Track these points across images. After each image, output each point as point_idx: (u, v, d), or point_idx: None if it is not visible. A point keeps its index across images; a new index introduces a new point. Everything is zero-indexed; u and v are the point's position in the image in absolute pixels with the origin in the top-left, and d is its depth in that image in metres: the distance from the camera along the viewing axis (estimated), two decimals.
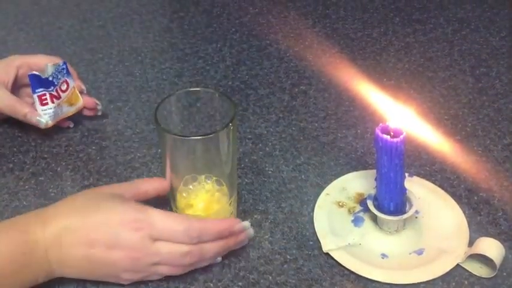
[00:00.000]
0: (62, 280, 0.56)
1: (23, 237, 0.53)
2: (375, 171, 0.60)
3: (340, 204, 0.66)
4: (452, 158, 0.71)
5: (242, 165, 0.71)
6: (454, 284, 0.57)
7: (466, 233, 0.61)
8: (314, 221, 0.64)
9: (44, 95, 0.71)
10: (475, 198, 0.66)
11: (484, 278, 0.58)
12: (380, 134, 0.56)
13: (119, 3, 1.05)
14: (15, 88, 0.74)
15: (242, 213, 0.65)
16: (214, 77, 0.87)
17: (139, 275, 0.56)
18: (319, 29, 0.97)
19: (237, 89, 0.84)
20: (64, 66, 0.72)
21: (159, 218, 0.54)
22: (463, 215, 0.63)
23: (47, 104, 0.71)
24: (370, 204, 0.61)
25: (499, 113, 0.78)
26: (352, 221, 0.64)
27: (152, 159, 0.72)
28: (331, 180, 0.68)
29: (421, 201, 0.63)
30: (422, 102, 0.80)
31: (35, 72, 0.70)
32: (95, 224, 0.54)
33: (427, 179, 0.68)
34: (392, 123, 0.57)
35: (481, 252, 0.57)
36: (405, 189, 0.60)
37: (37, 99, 0.71)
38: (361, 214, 0.64)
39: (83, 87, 0.76)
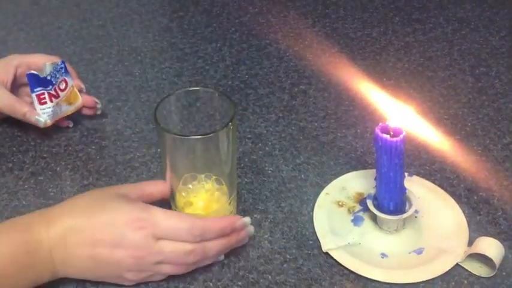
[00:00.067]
0: (61, 280, 0.56)
1: (24, 237, 0.53)
2: (374, 170, 0.60)
3: (340, 203, 0.66)
4: (452, 158, 0.71)
5: (242, 165, 0.71)
6: (453, 283, 0.57)
7: (466, 233, 0.61)
8: (314, 220, 0.64)
9: (43, 94, 0.71)
10: (475, 197, 0.66)
11: (484, 277, 0.58)
12: (380, 133, 0.56)
13: (119, 3, 1.05)
14: (14, 87, 0.74)
15: (242, 212, 0.65)
16: (214, 76, 0.87)
17: (142, 275, 0.56)
18: (319, 28, 0.97)
19: (236, 88, 0.84)
20: (62, 65, 0.72)
21: (162, 217, 0.54)
22: (462, 214, 0.63)
23: (45, 103, 0.71)
24: (369, 203, 0.61)
25: (499, 112, 0.78)
26: (352, 220, 0.64)
27: (152, 159, 0.72)
28: (330, 180, 0.68)
29: (420, 201, 0.63)
30: (422, 101, 0.80)
31: (33, 72, 0.70)
32: (101, 224, 0.54)
33: (427, 179, 0.68)
34: (392, 122, 0.57)
35: (481, 252, 0.57)
36: (405, 188, 0.60)
37: (35, 98, 0.71)
38: (360, 214, 0.64)
39: (82, 86, 0.76)
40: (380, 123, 0.57)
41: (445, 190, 0.66)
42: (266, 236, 0.62)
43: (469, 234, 0.61)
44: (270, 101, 0.82)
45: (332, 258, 0.60)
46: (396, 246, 0.61)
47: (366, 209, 0.63)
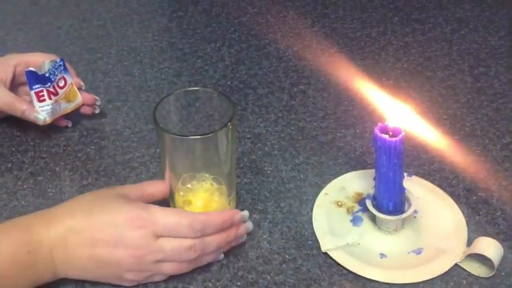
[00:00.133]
0: (61, 280, 0.56)
1: (25, 238, 0.53)
2: (373, 170, 0.60)
3: (339, 203, 0.66)
4: (451, 158, 0.71)
5: (241, 165, 0.71)
6: (452, 283, 0.57)
7: (465, 233, 0.61)
8: (313, 220, 0.64)
9: (41, 91, 0.71)
10: (474, 197, 0.66)
11: (483, 277, 0.58)
12: (379, 133, 0.56)
13: (118, 3, 1.05)
14: (13, 86, 0.73)
15: None
16: (213, 76, 0.87)
17: (143, 275, 0.56)
18: (318, 28, 0.97)
19: (236, 88, 0.84)
20: (61, 63, 0.72)
21: (162, 215, 0.55)
22: (461, 214, 0.63)
23: (44, 100, 0.71)
24: (368, 203, 0.61)
25: (498, 112, 0.78)
26: (351, 220, 0.64)
27: (151, 159, 0.72)
28: (330, 180, 0.68)
29: (419, 201, 0.63)
30: (421, 101, 0.80)
31: (31, 69, 0.70)
32: (101, 225, 0.54)
33: (426, 179, 0.68)
34: (391, 122, 0.57)
35: (480, 252, 0.57)
36: (404, 188, 0.60)
37: (34, 95, 0.70)
38: (359, 214, 0.64)
39: (82, 83, 0.75)
40: (379, 123, 0.57)
41: (444, 190, 0.66)
42: (265, 236, 0.62)
43: (468, 235, 0.61)
44: (269, 101, 0.82)
45: (331, 258, 0.60)
46: (395, 246, 0.61)
47: (365, 209, 0.63)
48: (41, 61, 0.72)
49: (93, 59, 0.91)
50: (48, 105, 0.71)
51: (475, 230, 0.62)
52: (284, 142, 0.75)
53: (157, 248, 0.54)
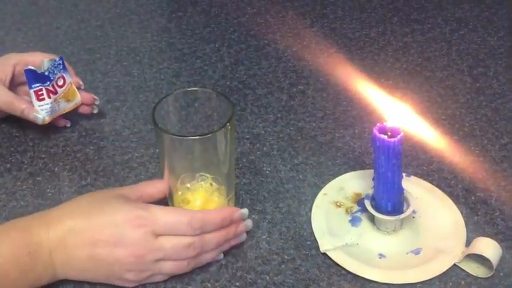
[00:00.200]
0: (60, 281, 0.56)
1: (25, 239, 0.53)
2: (372, 171, 0.60)
3: (338, 204, 0.66)
4: (450, 158, 0.71)
5: (240, 165, 0.71)
6: (451, 283, 0.57)
7: (463, 233, 0.61)
8: (312, 221, 0.64)
9: (41, 90, 0.71)
10: (473, 198, 0.66)
11: (481, 278, 0.58)
12: (377, 133, 0.56)
13: (117, 3, 1.05)
14: (13, 86, 0.73)
15: None
16: (213, 77, 0.87)
17: (143, 275, 0.56)
18: (317, 28, 0.97)
19: (235, 88, 0.84)
20: (60, 62, 0.72)
21: (162, 213, 0.55)
22: (460, 214, 0.63)
23: (43, 99, 0.71)
24: (367, 204, 0.61)
25: (497, 112, 0.78)
26: (350, 221, 0.64)
27: (150, 159, 0.72)
28: (328, 180, 0.68)
29: (418, 201, 0.63)
30: (420, 102, 0.80)
31: (30, 67, 0.70)
32: (100, 225, 0.54)
33: (425, 179, 0.68)
34: (390, 123, 0.57)
35: (478, 252, 0.57)
36: (402, 189, 0.60)
37: (33, 94, 0.70)
38: (358, 214, 0.64)
39: (81, 82, 0.75)
40: (378, 124, 0.57)
41: (443, 190, 0.66)
42: (264, 237, 0.62)
43: (467, 235, 0.61)
44: (268, 101, 0.82)
45: (330, 258, 0.60)
46: (394, 246, 0.61)
47: (363, 209, 0.63)
48: (40, 60, 0.72)
49: (92, 59, 0.91)
50: (48, 104, 0.71)
51: (474, 230, 0.62)
52: (283, 142, 0.75)
53: (157, 247, 0.54)
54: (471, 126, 0.76)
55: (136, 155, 0.73)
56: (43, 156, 0.73)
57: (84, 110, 0.77)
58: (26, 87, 0.71)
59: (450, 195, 0.66)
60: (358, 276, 0.58)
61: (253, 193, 0.68)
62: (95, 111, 0.78)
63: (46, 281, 0.55)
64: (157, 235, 0.54)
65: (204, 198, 0.61)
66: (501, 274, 0.58)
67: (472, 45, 0.92)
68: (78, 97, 0.75)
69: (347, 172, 0.69)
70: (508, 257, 0.59)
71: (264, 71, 0.88)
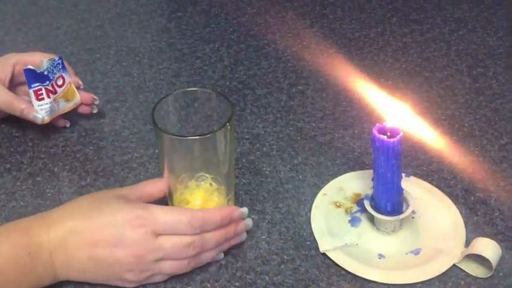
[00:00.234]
0: (60, 282, 0.56)
1: (25, 240, 0.53)
2: (372, 171, 0.60)
3: (337, 204, 0.66)
4: (449, 158, 0.71)
5: (239, 166, 0.71)
6: (450, 284, 0.57)
7: (463, 233, 0.61)
8: (311, 221, 0.64)
9: (40, 89, 0.71)
10: (472, 198, 0.66)
11: (481, 278, 0.58)
12: (377, 134, 0.56)
13: (117, 3, 1.05)
14: (12, 86, 0.73)
15: None
16: (212, 77, 0.87)
17: (143, 275, 0.56)
18: (317, 29, 0.97)
19: (234, 89, 0.84)
20: (59, 61, 0.72)
21: (161, 213, 0.55)
22: (459, 215, 0.63)
23: (43, 99, 0.71)
24: (367, 204, 0.61)
25: (496, 113, 0.78)
26: (349, 221, 0.64)
27: (149, 160, 0.72)
28: (328, 181, 0.68)
29: (417, 202, 0.64)
30: (419, 102, 0.80)
31: (30, 67, 0.70)
32: (100, 225, 0.54)
33: (424, 179, 0.68)
34: (389, 123, 0.57)
35: (478, 253, 0.57)
36: (402, 189, 0.60)
37: (33, 94, 0.70)
38: (358, 214, 0.64)
39: (80, 82, 0.75)
40: (377, 124, 0.57)
41: (442, 191, 0.66)
42: (263, 237, 0.62)
43: (466, 235, 0.61)
44: (267, 101, 0.82)
45: (329, 259, 0.60)
46: (393, 246, 0.61)
47: (363, 209, 0.63)
48: (39, 60, 0.72)
49: (91, 59, 0.91)
50: (47, 103, 0.71)
51: (473, 230, 0.62)
52: (283, 143, 0.75)
53: (157, 247, 0.54)
54: (470, 126, 0.76)
55: (135, 155, 0.73)
56: (43, 156, 0.73)
57: (84, 109, 0.77)
58: (26, 87, 0.71)
59: (449, 195, 0.66)
60: (357, 276, 0.58)
61: (252, 193, 0.68)
62: (95, 111, 0.78)
63: (47, 282, 0.55)
64: (157, 235, 0.54)
65: (203, 198, 0.61)
66: (500, 274, 0.58)
67: (471, 45, 0.92)
68: (78, 97, 0.75)
69: (346, 172, 0.69)
70: (507, 257, 0.59)
71: (263, 71, 0.88)
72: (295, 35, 0.96)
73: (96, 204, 0.56)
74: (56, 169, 0.71)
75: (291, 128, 0.77)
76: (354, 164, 0.71)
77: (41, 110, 0.71)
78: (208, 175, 0.61)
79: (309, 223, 0.63)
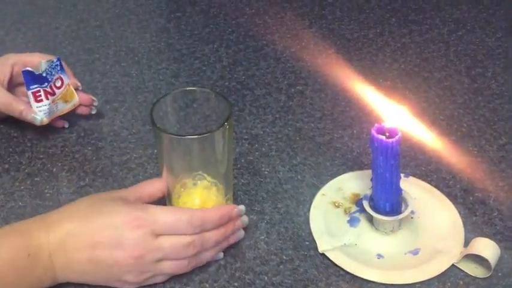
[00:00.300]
0: (60, 284, 0.56)
1: (24, 242, 0.53)
2: (370, 171, 0.60)
3: (336, 204, 0.66)
4: (448, 159, 0.71)
5: (238, 166, 0.71)
6: (449, 284, 0.57)
7: (462, 233, 0.61)
8: (310, 221, 0.64)
9: (38, 91, 0.71)
10: (471, 198, 0.66)
11: (479, 278, 0.58)
12: (376, 134, 0.56)
13: (116, 3, 1.05)
14: (11, 87, 0.73)
15: None
16: (211, 77, 0.87)
17: (143, 276, 0.56)
18: (316, 29, 0.97)
19: (233, 89, 0.84)
20: (58, 63, 0.72)
21: (161, 213, 0.55)
22: (458, 215, 0.63)
23: (41, 100, 0.71)
24: (365, 204, 0.61)
25: (495, 113, 0.79)
26: (348, 221, 0.64)
27: (148, 160, 0.72)
28: (327, 181, 0.68)
29: (416, 202, 0.64)
30: (418, 102, 0.80)
31: (28, 68, 0.70)
32: (99, 227, 0.54)
33: (423, 180, 0.68)
34: (388, 123, 0.57)
35: (477, 253, 0.57)
36: (401, 189, 0.60)
37: (31, 95, 0.70)
38: (357, 214, 0.64)
39: (79, 83, 0.75)
40: (376, 124, 0.57)
41: (441, 191, 0.66)
42: (262, 237, 0.62)
43: (465, 235, 0.61)
44: (266, 101, 0.82)
45: (328, 259, 0.60)
46: (392, 247, 0.61)
47: (362, 209, 0.63)
48: (38, 61, 0.72)
49: (90, 59, 0.91)
50: (46, 105, 0.71)
51: (472, 230, 0.62)
52: (281, 143, 0.75)
53: (157, 247, 0.54)
54: (469, 126, 0.76)
55: (134, 155, 0.73)
56: (41, 156, 0.73)
57: (83, 111, 0.77)
58: (24, 88, 0.71)
59: (448, 195, 0.66)
60: (356, 276, 0.58)
61: (251, 193, 0.68)
62: (93, 112, 0.78)
63: (46, 284, 0.55)
64: (156, 235, 0.54)
65: (202, 198, 0.61)
66: (499, 274, 0.58)
67: (470, 46, 0.92)
68: (76, 98, 0.75)
69: (345, 172, 0.69)
70: (506, 257, 0.59)
71: (262, 71, 0.88)
72: (294, 35, 0.96)
73: (95, 206, 0.56)
74: (54, 169, 0.71)
75: (289, 128, 0.77)
76: (353, 164, 0.71)
77: (39, 112, 0.71)
78: (206, 175, 0.61)
79: (308, 223, 0.63)
